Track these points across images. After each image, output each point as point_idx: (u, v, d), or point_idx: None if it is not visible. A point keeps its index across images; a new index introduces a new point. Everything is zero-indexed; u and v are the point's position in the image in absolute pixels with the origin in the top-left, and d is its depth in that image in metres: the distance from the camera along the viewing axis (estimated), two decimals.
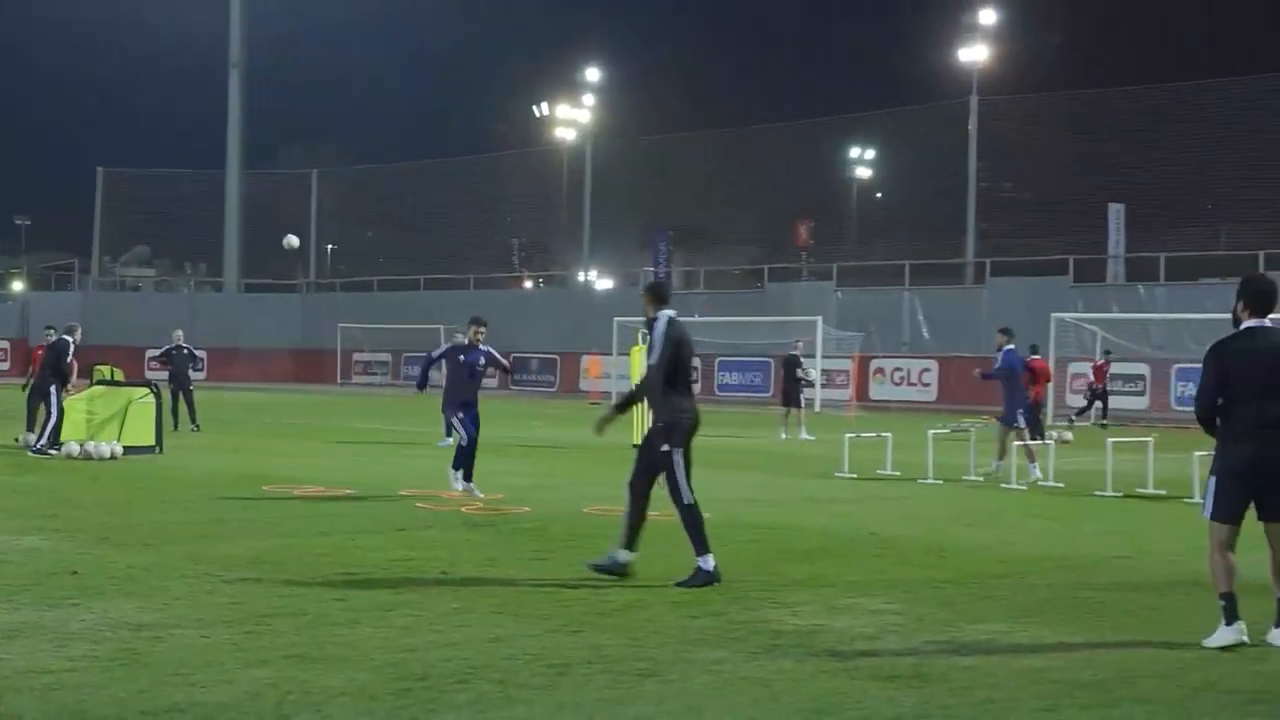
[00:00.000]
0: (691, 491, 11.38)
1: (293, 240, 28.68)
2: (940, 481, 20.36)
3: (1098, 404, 38.77)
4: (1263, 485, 9.03)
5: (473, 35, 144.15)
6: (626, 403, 12.55)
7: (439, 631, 9.12)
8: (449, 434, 23.91)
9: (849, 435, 22.72)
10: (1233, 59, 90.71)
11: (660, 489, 11.45)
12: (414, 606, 9.98)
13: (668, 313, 11.63)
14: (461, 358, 18.44)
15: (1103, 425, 35.66)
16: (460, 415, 18.01)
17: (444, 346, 19.32)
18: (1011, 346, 22.35)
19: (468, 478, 17.56)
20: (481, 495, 17.25)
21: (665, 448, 11.41)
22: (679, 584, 10.97)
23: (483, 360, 18.57)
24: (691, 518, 11.32)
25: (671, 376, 11.44)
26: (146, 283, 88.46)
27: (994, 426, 22.24)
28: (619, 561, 11.27)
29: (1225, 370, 9.17)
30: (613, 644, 8.82)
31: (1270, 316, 9.30)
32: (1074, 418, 36.91)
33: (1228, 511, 9.12)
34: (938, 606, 10.37)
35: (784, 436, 30.55)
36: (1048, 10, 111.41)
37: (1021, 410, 21.76)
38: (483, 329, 18.53)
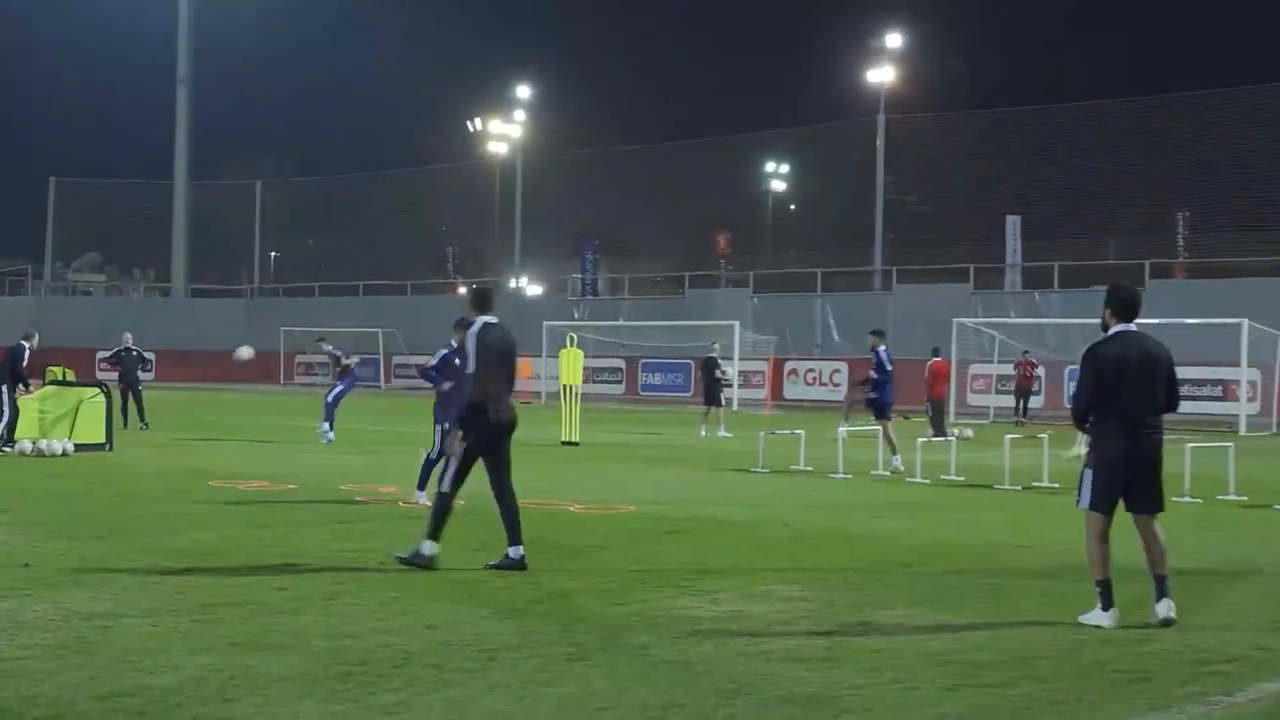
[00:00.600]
0: (457, 486, 11.40)
1: (244, 353, 28.34)
2: (849, 476, 20.46)
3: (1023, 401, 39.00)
4: (1130, 479, 9.33)
5: (409, 54, 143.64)
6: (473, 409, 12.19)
7: (377, 619, 9.08)
8: (331, 428, 24.75)
9: (764, 432, 22.82)
10: (1119, 83, 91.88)
11: (595, 479, 11.42)
12: (353, 596, 9.93)
13: (484, 319, 11.62)
14: (457, 362, 17.28)
15: (1019, 423, 35.61)
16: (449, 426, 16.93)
17: (442, 353, 16.82)
18: (883, 347, 22.89)
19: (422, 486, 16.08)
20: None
21: (461, 439, 11.45)
22: (396, 557, 11.26)
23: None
24: (440, 505, 11.38)
25: (480, 377, 11.42)
26: (97, 287, 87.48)
27: (899, 424, 22.41)
28: (513, 558, 11.24)
29: (1098, 372, 9.42)
30: (542, 630, 8.82)
31: (1136, 321, 9.60)
32: (1020, 420, 36.85)
33: (1103, 502, 9.38)
34: (848, 593, 10.42)
35: (704, 433, 30.61)
36: (950, 35, 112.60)
37: (888, 405, 22.49)
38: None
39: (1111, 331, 9.56)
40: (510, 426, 11.61)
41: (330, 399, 25.47)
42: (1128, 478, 9.35)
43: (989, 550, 12.89)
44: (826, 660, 8.07)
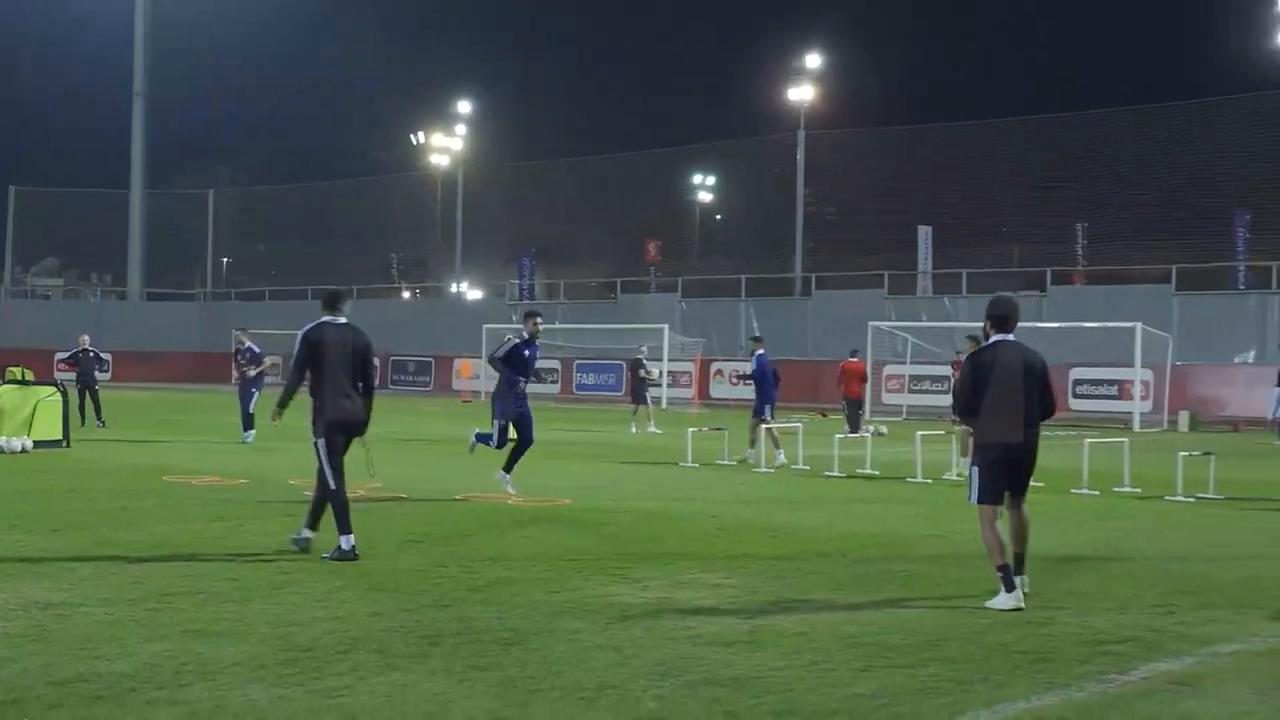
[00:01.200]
0: (335, 477, 11.31)
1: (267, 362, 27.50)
2: (771, 470, 20.55)
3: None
4: (1011, 475, 9.74)
5: (357, 71, 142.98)
6: (285, 397, 11.97)
7: (324, 607, 9.03)
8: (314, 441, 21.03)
9: (691, 429, 22.85)
10: (1024, 103, 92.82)
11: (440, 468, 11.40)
12: (300, 585, 9.87)
13: (324, 319, 11.74)
14: (526, 353, 16.12)
15: (955, 420, 35.45)
16: (510, 419, 16.04)
17: (509, 343, 16.12)
18: (762, 351, 23.35)
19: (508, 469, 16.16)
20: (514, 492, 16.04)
21: (312, 438, 11.44)
22: (326, 557, 11.00)
23: (536, 353, 16.44)
24: (334, 501, 11.28)
25: (314, 375, 11.45)
26: (55, 291, 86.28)
27: (817, 421, 22.52)
28: (344, 549, 11.09)
29: (978, 378, 9.80)
30: (480, 617, 8.80)
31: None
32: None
33: (991, 495, 9.72)
34: (769, 580, 10.46)
35: (634, 430, 30.62)
36: (866, 56, 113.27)
37: (769, 405, 22.72)
38: (540, 319, 16.51)
39: (991, 340, 9.96)
40: (349, 424, 11.52)
41: (249, 405, 25.22)
42: (1010, 473, 9.74)
43: (902, 540, 12.96)
44: (749, 643, 8.10)
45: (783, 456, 21.58)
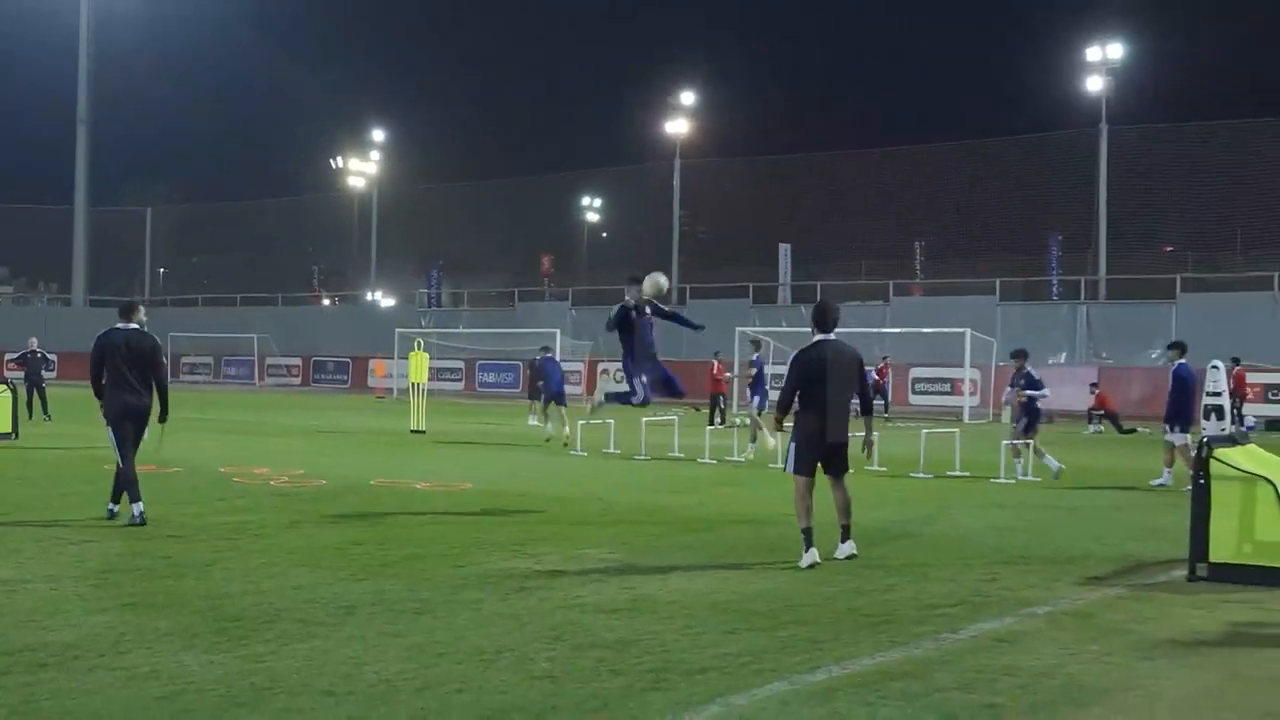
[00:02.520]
0: (121, 457, 11.75)
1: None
2: (650, 458, 20.62)
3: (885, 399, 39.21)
4: (826, 452, 10.21)
5: (283, 101, 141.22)
6: (96, 392, 12.25)
7: (250, 581, 8.90)
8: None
9: (581, 421, 22.85)
10: (874, 135, 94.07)
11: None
12: (229, 562, 9.72)
13: (116, 325, 12.02)
14: (633, 315, 13.60)
15: (886, 418, 35.51)
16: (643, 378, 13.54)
17: (621, 305, 13.86)
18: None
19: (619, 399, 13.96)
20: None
21: (106, 426, 11.90)
22: (123, 522, 11.48)
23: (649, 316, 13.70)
24: (124, 477, 11.77)
25: (106, 373, 11.81)
26: (5, 298, 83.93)
27: (691, 414, 22.57)
28: (135, 515, 11.53)
29: (801, 370, 10.22)
30: (392, 589, 8.73)
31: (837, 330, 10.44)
32: (886, 416, 36.42)
33: (804, 467, 10.21)
34: (649, 555, 10.50)
35: (533, 422, 30.50)
36: (734, 94, 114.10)
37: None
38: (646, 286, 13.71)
39: (813, 340, 10.34)
40: (133, 412, 11.85)
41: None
42: (823, 450, 10.20)
43: (765, 518, 13.04)
44: (630, 610, 8.12)
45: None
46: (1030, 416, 18.20)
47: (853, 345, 10.61)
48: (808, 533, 9.94)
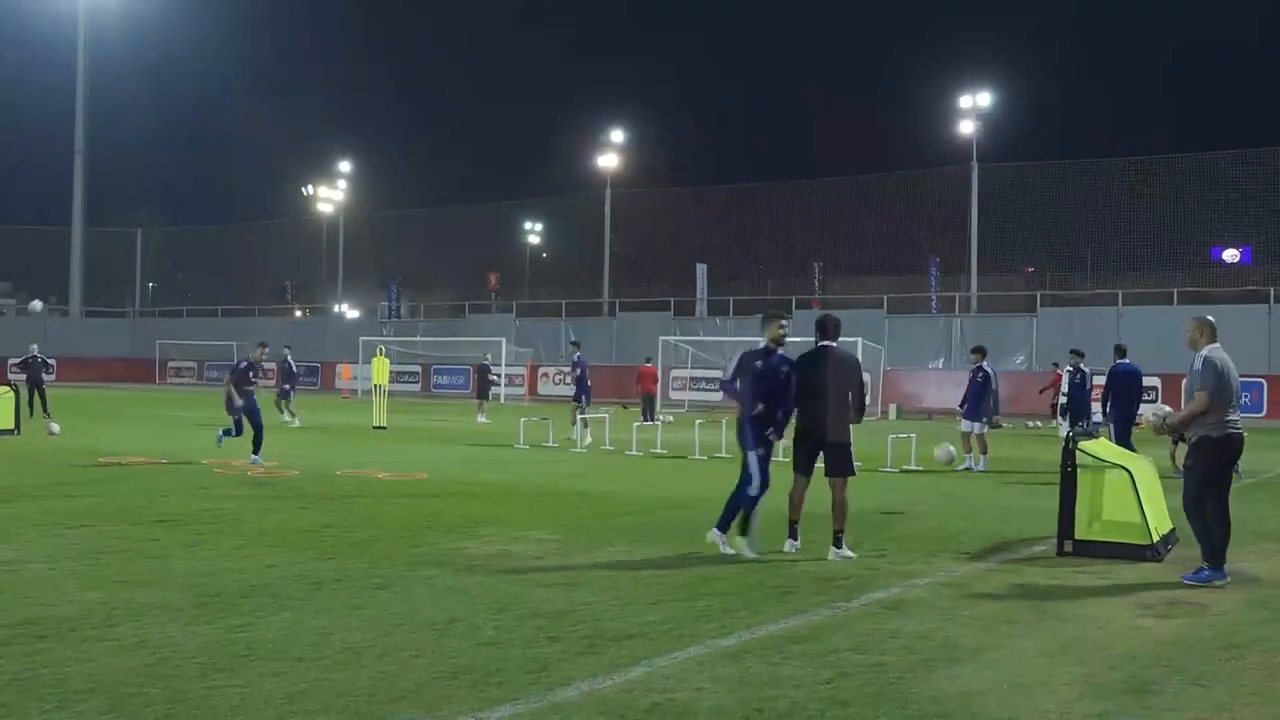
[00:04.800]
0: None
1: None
2: (584, 450, 20.59)
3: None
4: (819, 451, 9.59)
5: (261, 136, 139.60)
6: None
7: (229, 561, 8.78)
8: (236, 433, 17.09)
9: (524, 419, 22.79)
10: (778, 169, 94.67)
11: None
12: (210, 544, 9.59)
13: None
14: (759, 364, 9.52)
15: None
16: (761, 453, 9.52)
17: (740, 356, 9.70)
18: (579, 354, 25.02)
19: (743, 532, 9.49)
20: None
21: None
22: None
23: (785, 369, 9.60)
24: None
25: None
26: (9, 309, 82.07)
27: (620, 412, 22.58)
28: None
29: (801, 376, 9.60)
30: (355, 566, 8.65)
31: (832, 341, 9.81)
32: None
33: (799, 467, 9.67)
34: (583, 535, 10.49)
35: (481, 420, 30.32)
36: (658, 132, 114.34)
37: (585, 395, 23.99)
38: (785, 324, 9.86)
39: (818, 346, 9.66)
40: None
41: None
42: (816, 450, 9.58)
43: (683, 502, 13.09)
44: (566, 585, 8.11)
45: (590, 438, 21.68)
46: (981, 411, 18.18)
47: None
48: (793, 525, 9.64)
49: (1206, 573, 8.53)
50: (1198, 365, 8.66)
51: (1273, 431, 27.81)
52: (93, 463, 16.66)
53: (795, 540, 9.64)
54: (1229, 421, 8.60)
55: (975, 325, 44.87)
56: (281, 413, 27.42)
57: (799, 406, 9.59)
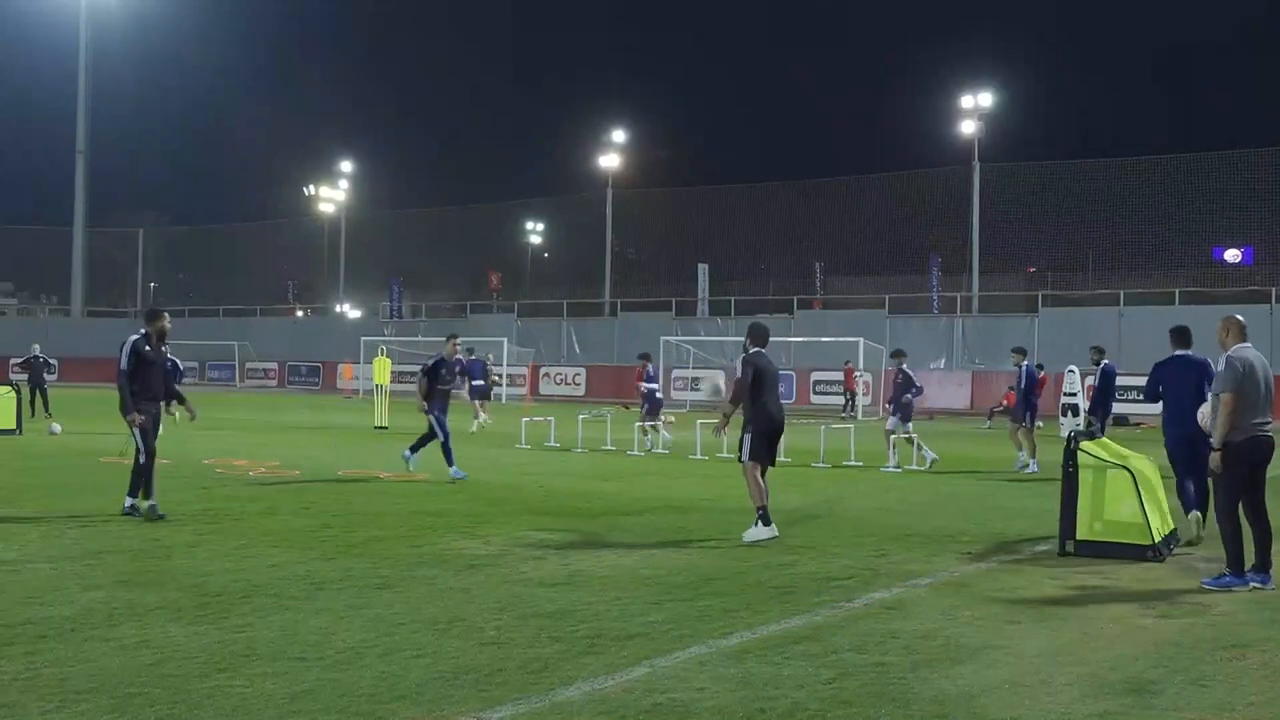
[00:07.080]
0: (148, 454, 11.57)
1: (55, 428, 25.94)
2: (586, 450, 20.59)
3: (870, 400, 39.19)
4: (774, 442, 10.62)
5: (262, 136, 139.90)
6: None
7: (231, 560, 8.77)
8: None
9: (525, 419, 22.79)
10: (781, 169, 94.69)
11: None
12: (211, 543, 9.58)
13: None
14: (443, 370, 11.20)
15: (851, 415, 34.82)
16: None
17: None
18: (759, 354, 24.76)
19: None
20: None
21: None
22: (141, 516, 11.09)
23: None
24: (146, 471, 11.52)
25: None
26: (10, 309, 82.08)
27: (621, 412, 22.53)
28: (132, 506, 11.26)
29: (757, 374, 10.49)
30: (357, 566, 8.64)
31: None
32: (844, 414, 35.50)
33: (760, 456, 10.44)
34: (584, 535, 10.47)
35: (482, 420, 30.21)
36: (661, 132, 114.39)
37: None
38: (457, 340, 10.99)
39: (753, 351, 10.77)
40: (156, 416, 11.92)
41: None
42: (773, 441, 10.62)
43: (684, 502, 13.09)
44: (568, 584, 8.10)
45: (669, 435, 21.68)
46: (902, 411, 18.29)
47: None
48: (763, 510, 10.16)
49: (1228, 578, 8.41)
50: (1220, 367, 8.57)
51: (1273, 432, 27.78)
52: (94, 463, 16.66)
53: (772, 524, 10.22)
54: (1255, 424, 8.44)
55: (976, 325, 44.86)
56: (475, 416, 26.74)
57: (757, 405, 10.43)
